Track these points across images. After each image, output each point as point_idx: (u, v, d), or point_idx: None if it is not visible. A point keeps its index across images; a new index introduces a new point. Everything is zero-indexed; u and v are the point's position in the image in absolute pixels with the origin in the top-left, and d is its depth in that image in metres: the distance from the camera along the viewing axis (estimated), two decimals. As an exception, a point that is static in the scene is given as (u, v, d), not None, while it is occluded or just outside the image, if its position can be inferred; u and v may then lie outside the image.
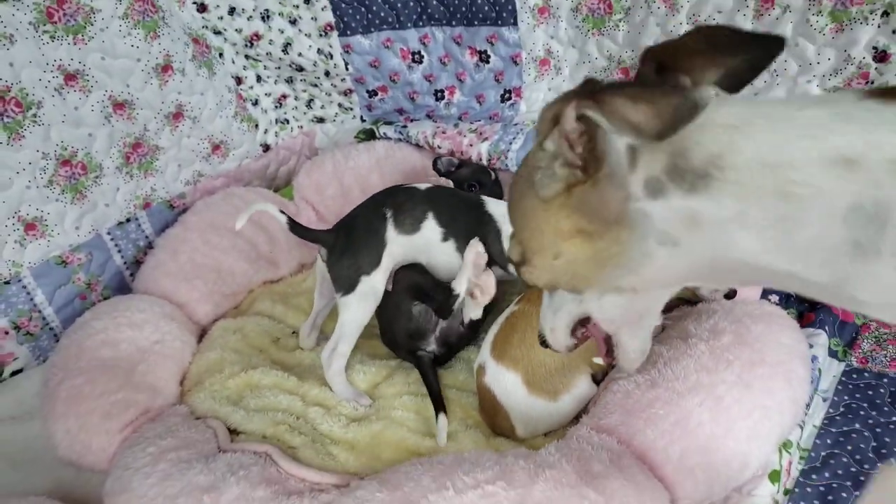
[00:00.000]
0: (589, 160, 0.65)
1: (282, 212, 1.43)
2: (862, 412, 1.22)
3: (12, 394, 1.49)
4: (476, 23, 1.77)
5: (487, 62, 1.83)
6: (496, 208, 1.40)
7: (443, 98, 1.96)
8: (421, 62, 1.91)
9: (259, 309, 1.68)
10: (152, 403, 1.32)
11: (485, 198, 1.44)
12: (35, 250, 1.49)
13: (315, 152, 2.18)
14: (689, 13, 1.48)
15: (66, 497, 1.25)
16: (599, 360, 0.90)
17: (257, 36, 1.88)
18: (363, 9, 1.83)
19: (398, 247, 1.38)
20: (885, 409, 1.22)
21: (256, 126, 2.00)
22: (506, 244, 1.28)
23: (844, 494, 1.09)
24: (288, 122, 2.11)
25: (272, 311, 1.67)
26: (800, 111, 0.59)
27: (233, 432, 1.29)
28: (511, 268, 1.01)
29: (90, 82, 1.51)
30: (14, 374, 1.54)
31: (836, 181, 0.56)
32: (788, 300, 1.42)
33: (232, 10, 1.82)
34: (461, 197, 1.47)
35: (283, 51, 1.91)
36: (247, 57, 1.94)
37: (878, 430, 1.18)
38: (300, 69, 1.97)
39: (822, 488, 1.11)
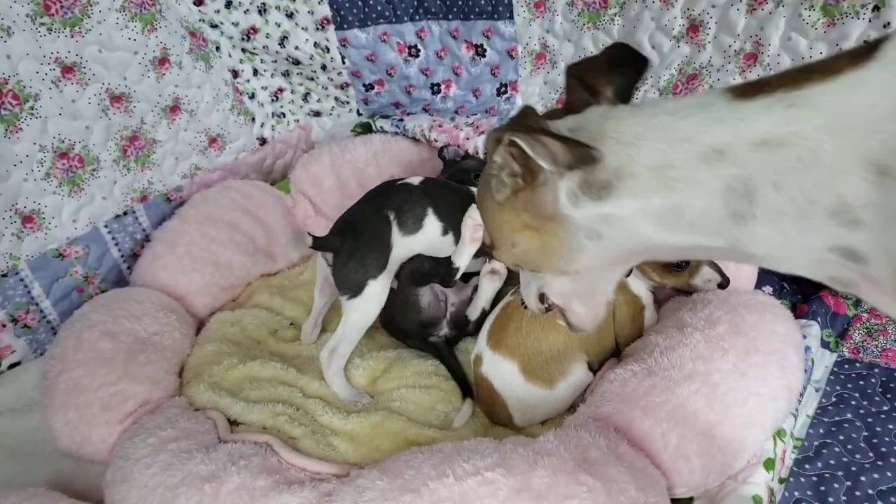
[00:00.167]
0: (526, 172, 0.81)
1: (309, 233, 1.40)
2: (853, 402, 1.24)
3: (10, 386, 1.49)
4: (472, 17, 1.78)
5: (484, 56, 1.84)
6: None
7: (439, 92, 1.97)
8: (417, 56, 1.92)
9: (257, 301, 1.69)
10: (151, 395, 1.33)
11: (474, 188, 1.45)
12: (32, 243, 1.50)
13: (311, 146, 2.18)
14: (683, 7, 1.49)
15: (65, 488, 1.25)
16: (562, 322, 1.03)
17: (254, 29, 1.88)
18: (360, 2, 1.84)
19: (403, 248, 1.39)
20: (877, 398, 1.23)
21: (253, 119, 2.00)
22: None
23: (836, 485, 1.10)
24: (284, 115, 2.11)
25: (270, 303, 1.68)
26: (682, 120, 0.75)
27: (232, 423, 1.29)
28: None
29: (87, 75, 1.51)
30: (11, 366, 1.54)
31: (710, 171, 0.72)
32: (782, 292, 1.43)
33: (229, 4, 1.82)
34: (455, 189, 1.49)
35: (279, 44, 1.91)
36: (243, 50, 1.94)
37: (869, 419, 1.19)
38: (297, 63, 1.97)
39: (814, 478, 1.12)
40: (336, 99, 2.10)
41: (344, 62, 1.95)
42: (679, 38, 1.53)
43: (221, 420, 1.27)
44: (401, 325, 1.46)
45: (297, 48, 1.92)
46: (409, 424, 1.25)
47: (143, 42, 1.59)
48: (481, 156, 1.79)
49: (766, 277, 1.42)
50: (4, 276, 1.46)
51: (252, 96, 2.00)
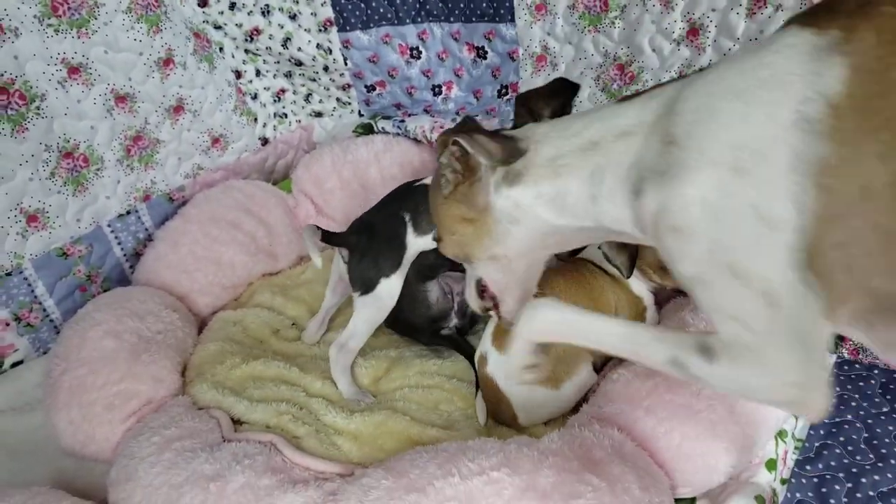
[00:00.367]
0: (466, 169, 1.00)
1: (318, 227, 1.43)
2: (854, 403, 1.25)
3: (13, 385, 1.50)
4: (474, 19, 1.79)
5: (485, 58, 1.85)
6: None
7: (440, 93, 1.98)
8: (419, 58, 1.93)
9: (259, 301, 1.70)
10: (155, 394, 1.34)
11: None
12: (36, 242, 1.50)
13: (313, 146, 2.19)
14: (683, 11, 1.50)
15: (67, 487, 1.26)
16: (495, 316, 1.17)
17: (257, 31, 1.89)
18: (362, 4, 1.84)
19: (417, 248, 1.42)
20: (876, 400, 1.24)
21: (255, 120, 2.01)
22: None
23: (837, 486, 1.11)
24: (286, 116, 2.12)
25: (272, 302, 1.69)
26: (578, 121, 0.95)
27: (236, 422, 1.30)
28: None
29: (93, 75, 1.51)
30: (14, 365, 1.54)
31: (584, 159, 0.91)
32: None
33: (232, 5, 1.83)
34: None
35: (282, 45, 1.92)
36: (246, 51, 1.95)
37: (869, 421, 1.20)
38: (299, 64, 1.98)
39: (815, 479, 1.13)
40: (338, 100, 2.11)
41: (346, 63, 1.96)
42: (679, 42, 1.54)
43: (225, 419, 1.27)
44: (411, 322, 1.47)
45: (299, 49, 1.93)
46: (413, 424, 1.26)
47: (148, 43, 1.60)
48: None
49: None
50: (9, 274, 1.47)
51: (254, 97, 2.01)
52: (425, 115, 2.03)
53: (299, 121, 2.15)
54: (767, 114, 0.75)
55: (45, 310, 1.56)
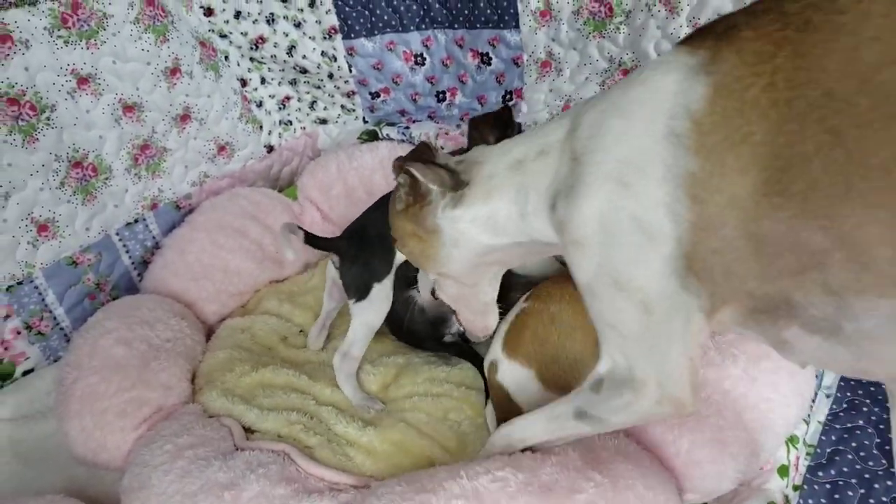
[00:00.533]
0: (416, 195, 1.05)
1: (299, 227, 1.44)
2: (865, 408, 1.24)
3: (24, 393, 1.51)
4: (478, 25, 1.80)
5: (489, 64, 1.86)
6: None
7: (444, 99, 1.99)
8: (423, 64, 1.93)
9: (266, 308, 1.70)
10: (165, 401, 1.34)
11: None
12: (47, 251, 1.51)
13: (318, 153, 2.20)
14: (688, 16, 1.51)
15: (79, 495, 1.27)
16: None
17: (262, 39, 1.90)
18: (367, 12, 1.85)
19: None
20: (888, 405, 1.24)
21: (261, 127, 2.02)
22: None
23: (850, 493, 1.11)
24: (291, 123, 2.13)
25: (279, 309, 1.69)
26: (512, 141, 1.01)
27: (247, 430, 1.30)
28: None
29: (101, 86, 1.52)
30: (25, 373, 1.55)
31: (512, 179, 0.97)
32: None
33: (238, 14, 1.84)
34: None
35: (287, 53, 1.93)
36: (252, 59, 1.96)
37: (881, 426, 1.20)
38: (304, 71, 1.99)
39: (828, 486, 1.13)
40: (342, 107, 2.11)
41: (350, 71, 1.97)
42: (685, 48, 1.55)
43: (237, 427, 1.28)
44: (413, 330, 1.48)
45: (304, 57, 1.94)
46: (429, 443, 1.25)
47: (155, 53, 1.61)
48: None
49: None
50: (20, 283, 1.47)
51: (260, 104, 2.02)
52: (430, 122, 2.04)
53: (304, 128, 2.16)
54: (643, 129, 0.81)
55: (55, 318, 1.57)
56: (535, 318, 1.24)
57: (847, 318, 0.73)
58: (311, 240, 1.45)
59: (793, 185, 0.70)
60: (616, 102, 0.86)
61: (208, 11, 1.80)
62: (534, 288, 1.32)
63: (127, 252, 1.71)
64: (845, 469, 1.15)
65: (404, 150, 2.00)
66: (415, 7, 1.83)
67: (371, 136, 2.10)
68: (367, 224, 1.47)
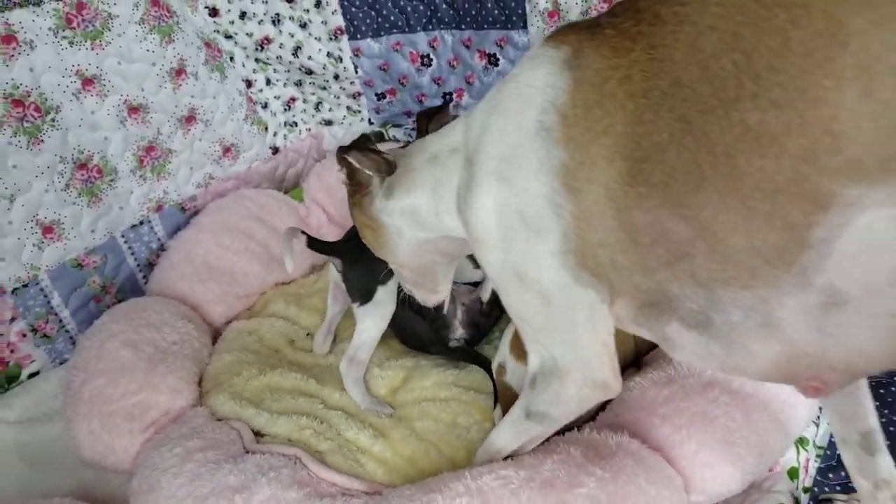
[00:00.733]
0: (356, 184, 1.09)
1: (303, 232, 1.44)
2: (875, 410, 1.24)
3: (30, 396, 1.50)
4: (486, 26, 1.79)
5: (496, 65, 1.85)
6: None
7: (451, 101, 1.98)
8: (430, 65, 1.93)
9: (273, 310, 1.70)
10: (173, 404, 1.33)
11: None
12: (52, 253, 1.50)
13: (323, 154, 2.20)
14: (697, 17, 1.51)
15: (86, 498, 1.26)
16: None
17: (268, 40, 1.89)
18: (373, 13, 1.85)
19: None
20: (897, 405, 1.24)
21: (266, 129, 2.01)
22: None
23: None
24: (296, 124, 2.12)
25: (286, 312, 1.68)
26: (432, 136, 1.02)
27: (256, 434, 1.29)
28: None
29: (107, 87, 1.52)
30: (31, 376, 1.55)
31: (429, 171, 0.98)
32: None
33: (243, 15, 1.84)
34: None
35: (293, 54, 1.92)
36: (257, 60, 1.95)
37: (891, 428, 1.20)
38: (309, 72, 1.98)
39: (838, 488, 1.12)
40: (348, 108, 2.11)
41: (356, 72, 1.96)
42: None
43: (246, 431, 1.26)
44: (417, 333, 1.47)
45: (310, 58, 1.93)
46: (439, 457, 1.24)
47: (160, 54, 1.60)
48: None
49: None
50: (25, 286, 1.47)
51: (265, 106, 2.01)
52: (436, 123, 2.04)
53: (309, 129, 2.15)
54: (517, 125, 0.84)
55: (60, 321, 1.56)
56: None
57: (716, 310, 0.75)
58: (314, 244, 1.44)
59: (653, 175, 0.73)
60: (495, 100, 0.89)
61: (213, 12, 1.79)
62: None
63: (132, 254, 1.71)
64: (855, 472, 1.14)
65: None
66: (421, 7, 1.83)
67: (377, 138, 2.09)
68: None
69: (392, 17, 1.85)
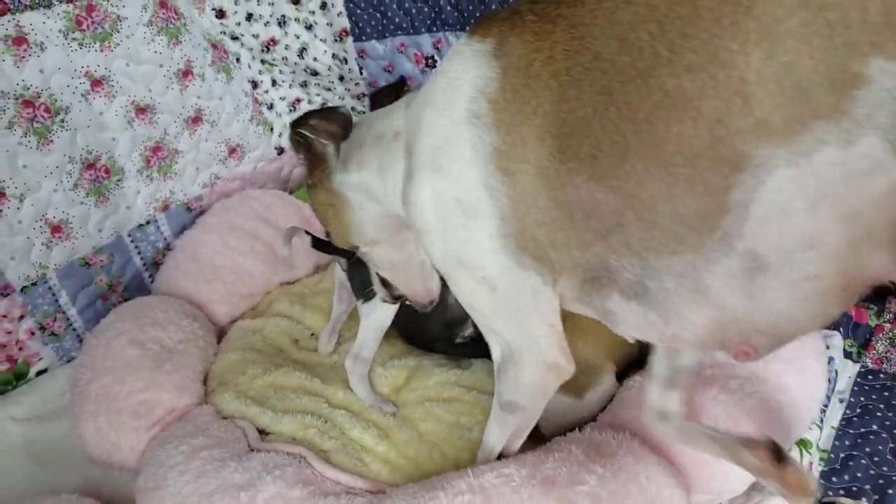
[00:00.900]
0: (312, 161, 1.07)
1: (307, 232, 1.45)
2: (879, 414, 1.23)
3: (38, 393, 1.52)
4: (490, 28, 1.80)
5: (500, 67, 1.86)
6: None
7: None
8: (434, 67, 1.93)
9: (277, 310, 1.70)
10: (178, 403, 1.35)
11: None
12: (60, 252, 1.52)
13: (327, 155, 2.20)
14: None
15: (93, 495, 1.27)
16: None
17: (273, 41, 1.91)
18: (378, 14, 1.86)
19: None
20: (897, 405, 1.24)
21: (271, 129, 2.03)
22: None
23: (865, 499, 1.10)
24: (301, 125, 2.13)
25: (290, 311, 1.69)
26: (380, 113, 1.03)
27: (261, 433, 1.30)
28: None
29: (115, 88, 1.54)
30: (39, 374, 1.56)
31: (376, 151, 0.98)
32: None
33: (249, 16, 1.85)
34: None
35: (298, 56, 1.94)
36: (263, 62, 1.97)
37: (895, 431, 1.19)
38: (315, 73, 1.99)
39: (842, 492, 1.12)
40: (353, 109, 2.12)
41: (361, 73, 1.97)
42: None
43: (251, 429, 1.27)
44: (427, 329, 1.47)
45: (315, 59, 1.94)
46: (443, 460, 1.24)
47: (168, 55, 1.62)
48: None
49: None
50: (34, 284, 1.48)
51: (270, 107, 2.03)
52: (440, 124, 2.04)
53: (314, 130, 2.16)
54: (447, 115, 0.86)
55: (68, 319, 1.58)
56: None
57: (650, 278, 0.77)
58: (318, 244, 1.45)
59: (581, 149, 0.75)
60: (427, 94, 0.92)
61: (220, 13, 1.81)
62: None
63: (139, 253, 1.72)
64: (859, 474, 1.14)
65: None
66: (426, 9, 1.83)
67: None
68: None
69: (397, 19, 1.86)
